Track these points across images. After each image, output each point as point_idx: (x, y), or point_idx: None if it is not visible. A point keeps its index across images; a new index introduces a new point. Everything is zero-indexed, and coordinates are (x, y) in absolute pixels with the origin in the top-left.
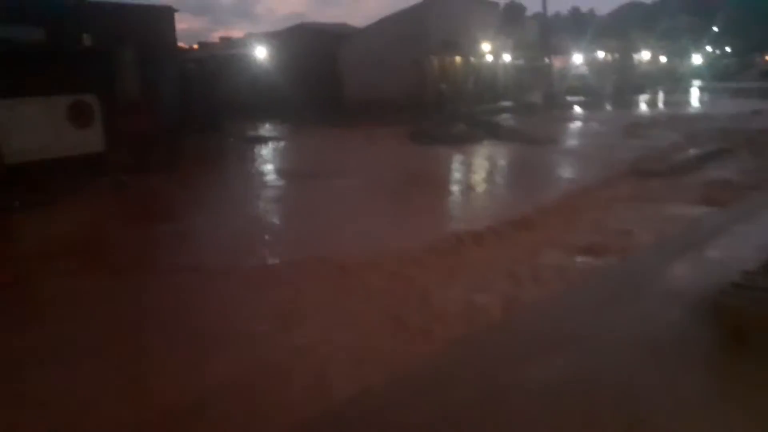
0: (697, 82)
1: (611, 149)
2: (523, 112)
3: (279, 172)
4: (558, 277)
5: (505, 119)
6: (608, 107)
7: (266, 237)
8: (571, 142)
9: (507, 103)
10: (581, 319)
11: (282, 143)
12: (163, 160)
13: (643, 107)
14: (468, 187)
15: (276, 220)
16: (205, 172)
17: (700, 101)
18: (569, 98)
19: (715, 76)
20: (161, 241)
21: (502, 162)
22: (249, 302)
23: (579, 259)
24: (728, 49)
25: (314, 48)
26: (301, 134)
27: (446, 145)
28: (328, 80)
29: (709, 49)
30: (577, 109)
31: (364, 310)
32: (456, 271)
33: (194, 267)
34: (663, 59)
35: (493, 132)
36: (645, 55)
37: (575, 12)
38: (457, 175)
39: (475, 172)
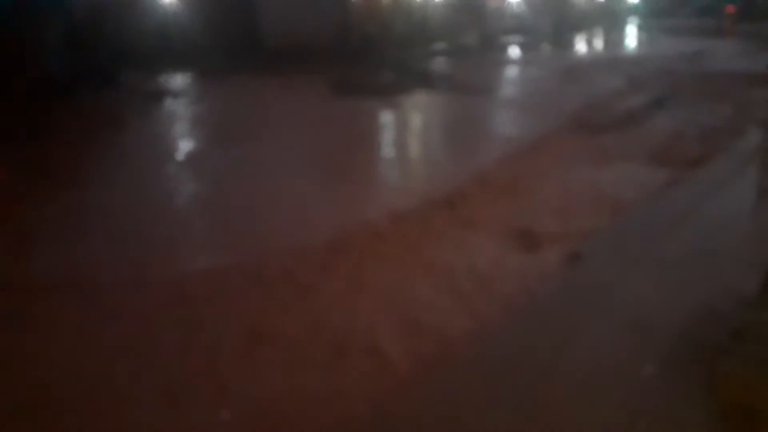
0: (634, 20)
1: (551, 98)
2: (458, 56)
3: (182, 136)
4: (471, 295)
5: (438, 64)
6: (547, 48)
7: (163, 233)
8: (509, 90)
9: (440, 46)
10: (488, 389)
11: (189, 98)
12: (35, 124)
13: (582, 48)
14: (390, 151)
15: (176, 207)
16: (90, 138)
17: (639, 40)
18: (506, 39)
19: (652, 13)
20: (16, 240)
21: (431, 117)
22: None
23: (506, 258)
24: None
25: None
26: (213, 86)
27: (371, 97)
28: (244, 23)
29: None
30: (515, 50)
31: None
32: (350, 286)
33: (61, 281)
34: None
35: (425, 80)
36: None
37: None
38: (379, 135)
39: (401, 130)
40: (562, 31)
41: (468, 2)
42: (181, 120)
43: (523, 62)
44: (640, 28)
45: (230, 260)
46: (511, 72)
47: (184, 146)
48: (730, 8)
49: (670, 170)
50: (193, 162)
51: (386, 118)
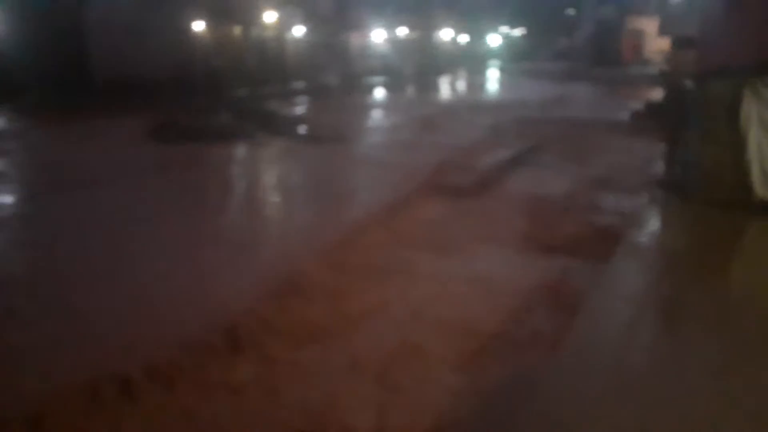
0: (496, 63)
1: (409, 151)
2: (317, 96)
3: None
4: None
5: (293, 106)
6: (410, 90)
7: None
8: (364, 140)
9: (299, 85)
10: None
11: None
12: None
13: (446, 91)
14: (193, 229)
15: None
16: None
17: (501, 84)
18: (369, 80)
19: (513, 56)
20: None
21: (260, 173)
22: None
23: None
24: (523, 30)
25: (52, 11)
26: (22, 128)
27: (199, 144)
28: (72, 52)
29: (506, 29)
30: (377, 92)
31: None
32: None
33: None
34: (463, 39)
35: (269, 124)
36: (446, 34)
37: None
38: (184, 200)
39: (219, 193)
40: (426, 73)
41: (329, 40)
42: None
43: (384, 106)
44: (502, 71)
45: None
46: (370, 117)
47: None
48: (584, 52)
49: (545, 258)
50: None
51: (201, 172)
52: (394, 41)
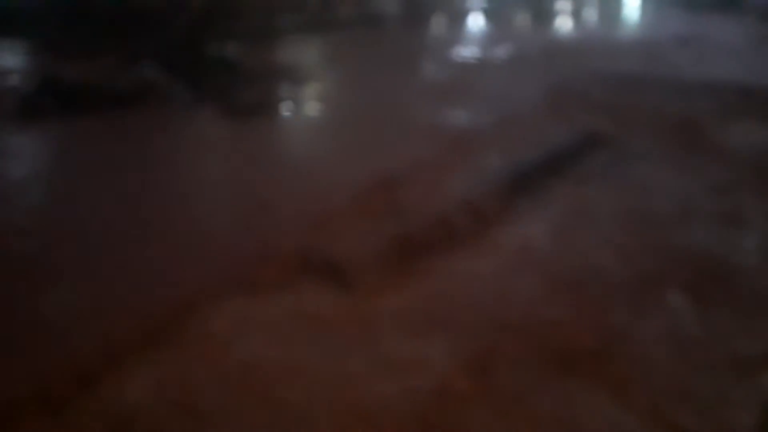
0: None
1: (374, 139)
2: (355, 30)
3: None
4: None
5: (301, 45)
6: (500, 22)
7: None
8: (335, 111)
9: (343, 13)
10: None
11: None
12: None
13: (549, 23)
14: None
15: None
16: None
17: (635, 13)
18: (453, 5)
19: None
20: None
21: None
22: None
23: None
24: None
25: None
26: None
27: (70, 115)
28: None
29: None
30: (452, 24)
31: None
32: None
33: None
34: None
35: (214, 81)
36: None
37: None
38: None
39: None
40: None
41: None
42: None
43: (439, 46)
44: None
45: None
46: (395, 67)
47: None
48: None
49: None
50: None
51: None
52: None
